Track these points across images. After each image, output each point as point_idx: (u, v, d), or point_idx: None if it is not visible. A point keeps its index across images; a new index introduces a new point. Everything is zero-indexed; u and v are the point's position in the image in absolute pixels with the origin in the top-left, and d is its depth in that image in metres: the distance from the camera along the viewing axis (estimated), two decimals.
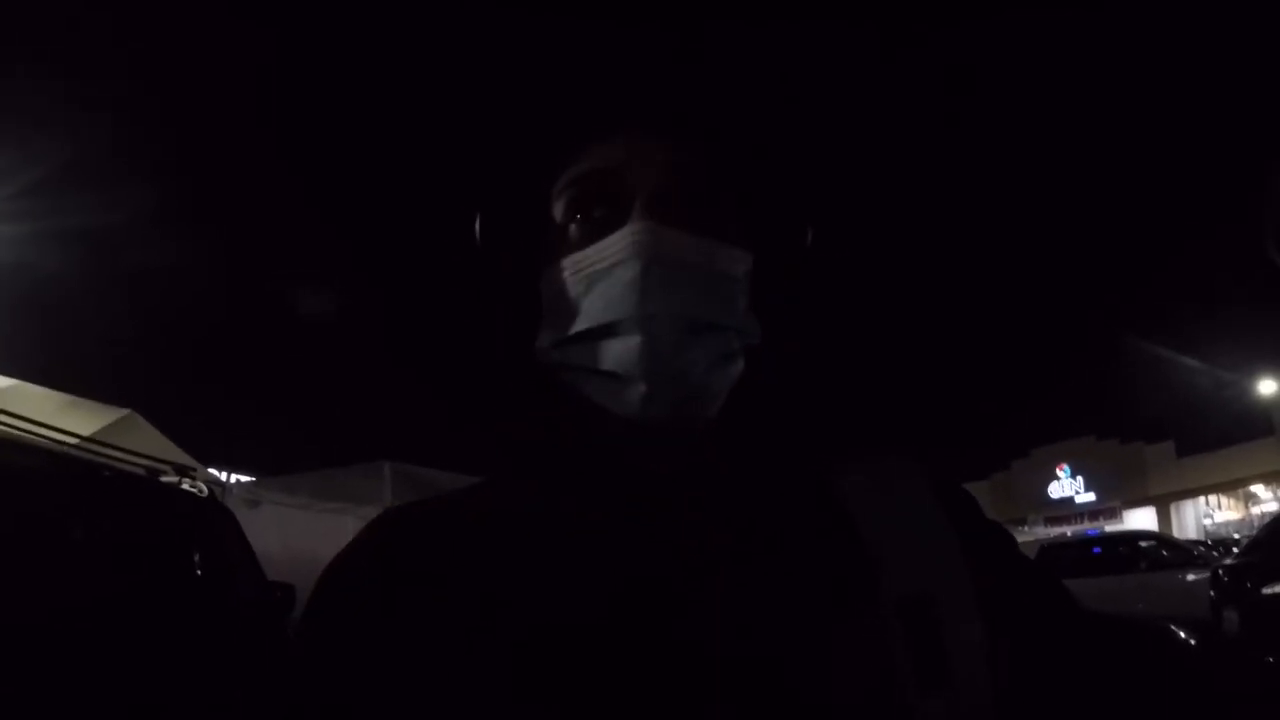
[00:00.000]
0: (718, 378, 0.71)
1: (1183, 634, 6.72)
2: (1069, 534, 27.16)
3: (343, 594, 0.71)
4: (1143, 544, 13.51)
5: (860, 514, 0.71)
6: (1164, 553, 12.95)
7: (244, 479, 13.62)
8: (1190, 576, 11.36)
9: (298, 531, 8.51)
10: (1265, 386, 29.26)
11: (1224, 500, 34.24)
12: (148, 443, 6.92)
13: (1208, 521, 34.01)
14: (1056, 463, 39.76)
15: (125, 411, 8.43)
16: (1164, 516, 34.42)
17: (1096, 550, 13.59)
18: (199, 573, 3.75)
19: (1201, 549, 13.70)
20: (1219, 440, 33.12)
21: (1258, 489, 31.78)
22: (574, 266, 0.72)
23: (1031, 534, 28.00)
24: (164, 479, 4.22)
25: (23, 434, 3.57)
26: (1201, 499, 34.63)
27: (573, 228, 0.74)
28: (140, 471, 4.13)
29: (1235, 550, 10.08)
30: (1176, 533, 28.16)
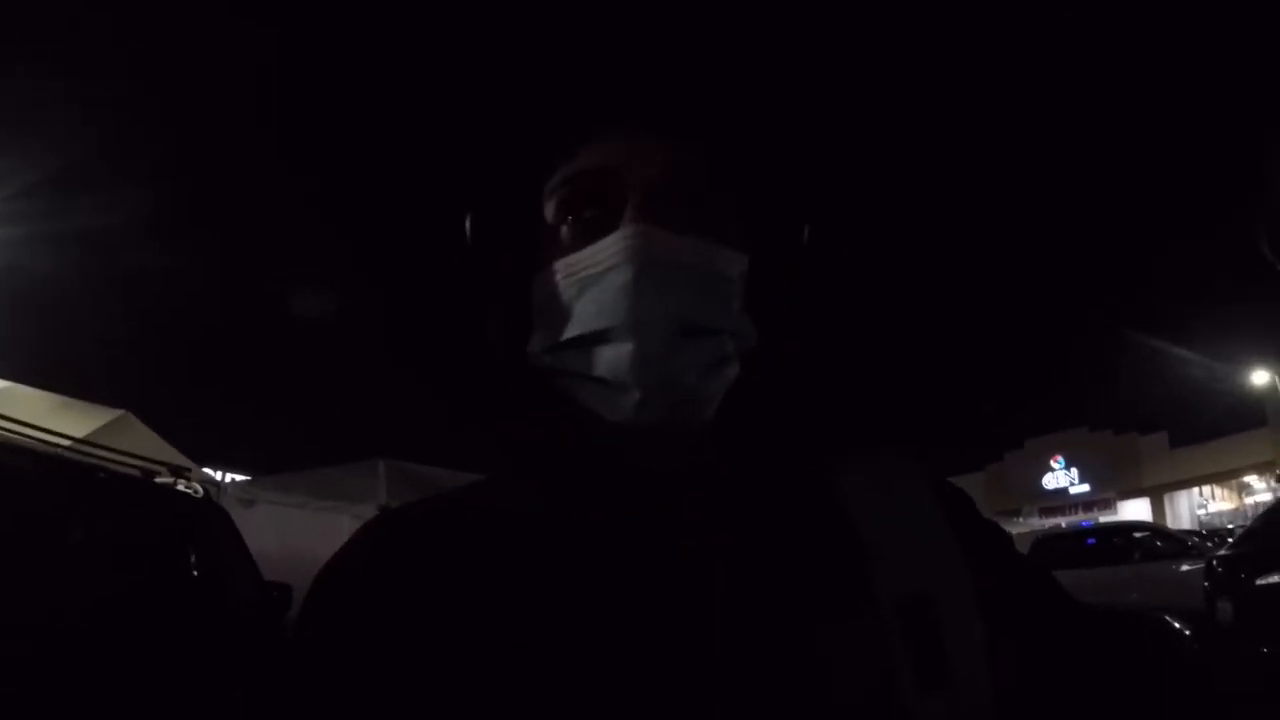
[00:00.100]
0: (712, 381, 0.70)
1: (1177, 625, 6.74)
2: (1063, 525, 27.29)
3: (339, 594, 0.70)
4: (1137, 535, 13.53)
5: (859, 514, 0.71)
6: (1158, 544, 12.97)
7: (239, 478, 13.59)
8: (1184, 567, 11.37)
9: (293, 530, 8.51)
10: (1258, 377, 29.37)
11: (1218, 491, 34.37)
12: (142, 443, 6.93)
13: (1202, 512, 34.12)
14: (1051, 454, 39.79)
15: (120, 412, 8.43)
16: (1158, 507, 34.50)
17: (1091, 541, 13.61)
18: (195, 573, 3.75)
19: (1195, 540, 13.71)
20: (1212, 431, 33.22)
21: (1251, 479, 31.90)
22: (566, 270, 0.71)
23: (1026, 525, 28.11)
24: (159, 480, 4.22)
25: (17, 436, 3.57)
26: (1195, 490, 34.73)
27: (565, 229, 0.73)
28: (135, 473, 4.13)
29: (1229, 541, 10.11)
30: (1171, 523, 28.23)
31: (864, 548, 0.68)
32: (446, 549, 0.69)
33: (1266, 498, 26.67)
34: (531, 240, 0.76)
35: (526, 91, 0.80)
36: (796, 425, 0.78)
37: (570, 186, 0.73)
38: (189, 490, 4.19)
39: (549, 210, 0.74)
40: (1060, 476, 39.29)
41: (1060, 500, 38.40)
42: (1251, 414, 30.88)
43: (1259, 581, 7.08)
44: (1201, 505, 34.73)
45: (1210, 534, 17.27)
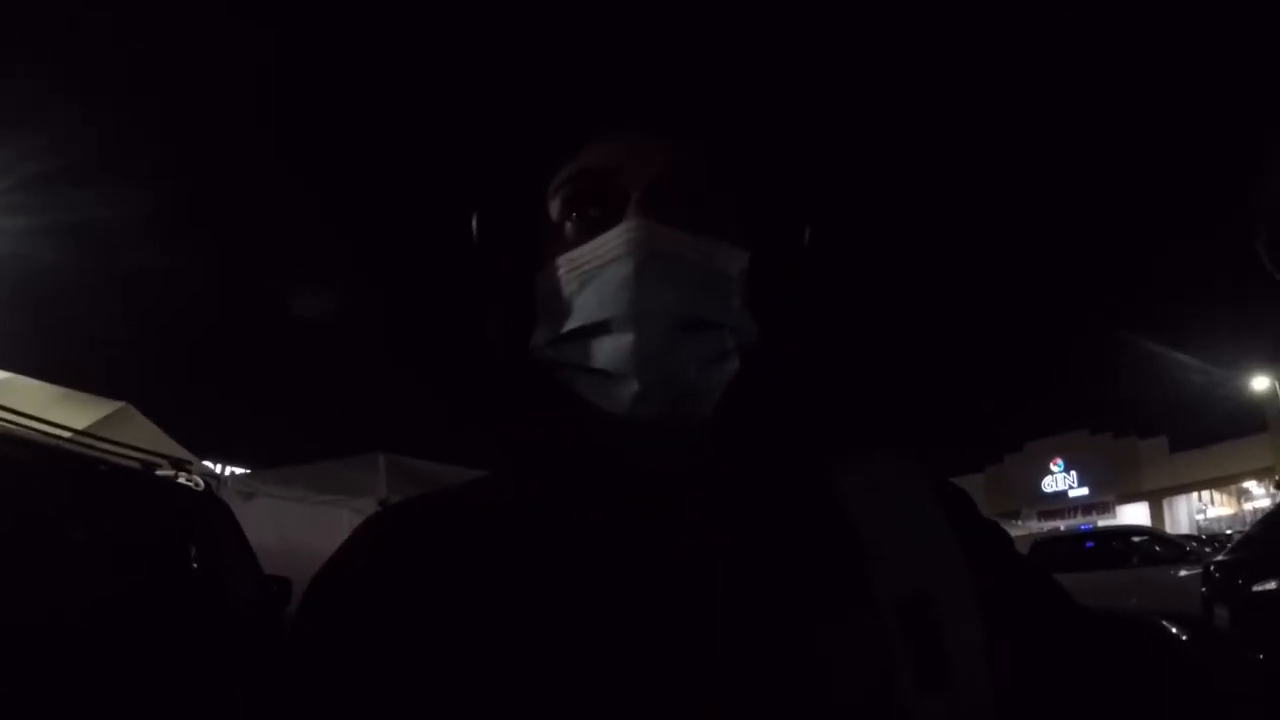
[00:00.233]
0: (712, 376, 0.70)
1: (1174, 630, 6.73)
2: (1062, 528, 27.24)
3: (339, 589, 0.71)
4: (1135, 539, 13.53)
5: (859, 513, 0.71)
6: (1156, 548, 12.97)
7: (239, 471, 13.58)
8: (1182, 572, 11.37)
9: (293, 524, 8.50)
10: (1259, 383, 29.35)
11: (1217, 496, 34.36)
12: (142, 436, 6.91)
13: (1200, 517, 34.12)
14: (1050, 457, 39.77)
15: (120, 404, 8.41)
16: (1157, 511, 34.48)
17: (1089, 545, 13.61)
18: (195, 567, 3.75)
19: (1194, 545, 13.71)
20: (1212, 436, 33.21)
21: (1250, 484, 31.88)
22: (569, 264, 0.71)
23: (1024, 528, 28.09)
24: (160, 472, 4.22)
25: (18, 427, 3.57)
26: (1195, 494, 34.72)
27: (568, 226, 0.73)
28: (136, 465, 4.12)
29: (1227, 546, 10.10)
30: (1169, 528, 28.23)
31: (864, 547, 0.68)
32: (447, 546, 0.70)
33: (1265, 503, 26.66)
34: (533, 239, 0.76)
35: (529, 92, 0.81)
36: (797, 424, 0.78)
37: (572, 185, 0.74)
38: (190, 483, 4.19)
39: (552, 209, 0.75)
40: (1059, 479, 39.27)
41: (1059, 503, 38.38)
42: (1251, 419, 30.88)
43: (1256, 588, 7.07)
44: (1200, 510, 34.72)
45: (1209, 539, 17.26)
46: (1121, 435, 37.54)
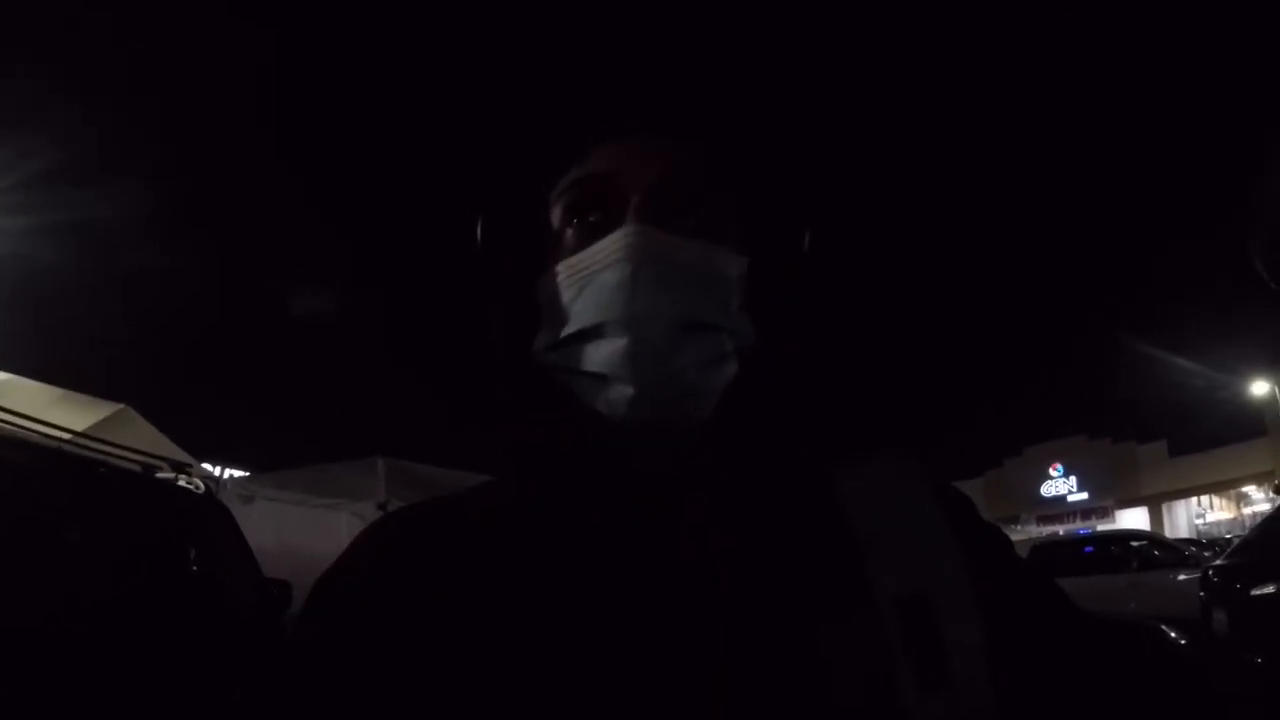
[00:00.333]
0: (710, 378, 0.71)
1: (1172, 634, 6.73)
2: (1061, 533, 27.19)
3: (342, 595, 0.71)
4: (1134, 543, 13.52)
5: (859, 515, 0.71)
6: (1155, 552, 12.96)
7: (238, 474, 13.56)
8: (1181, 576, 11.36)
9: (292, 527, 8.49)
10: (1258, 387, 29.37)
11: (1216, 500, 34.30)
12: (141, 438, 6.91)
13: (1200, 521, 34.05)
14: (1049, 461, 39.77)
15: (119, 406, 8.40)
16: (1156, 516, 34.45)
17: (1088, 549, 13.60)
18: (196, 570, 3.74)
19: (1193, 549, 13.70)
20: (1212, 440, 33.19)
21: (1250, 489, 31.84)
22: (568, 270, 0.72)
23: (1024, 532, 28.04)
24: (159, 475, 4.21)
25: (18, 429, 3.57)
26: (1194, 499, 34.67)
27: (569, 232, 0.74)
28: (136, 468, 4.12)
29: (1227, 550, 10.10)
30: (1168, 532, 28.20)
31: (864, 549, 0.69)
32: (449, 550, 0.70)
33: (1265, 508, 26.62)
34: (536, 243, 0.77)
35: (530, 96, 0.81)
36: (797, 426, 0.78)
37: (573, 191, 0.75)
38: (190, 486, 4.19)
39: (554, 215, 0.76)
40: (1059, 484, 39.27)
41: (1058, 508, 38.37)
42: (1251, 424, 30.88)
43: (1254, 591, 7.07)
44: (1200, 515, 34.66)
45: (1208, 544, 17.24)
46: (1121, 440, 37.53)
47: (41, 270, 14.49)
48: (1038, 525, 36.11)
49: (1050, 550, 14.04)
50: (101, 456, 3.94)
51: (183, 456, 6.47)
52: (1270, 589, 6.91)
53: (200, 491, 4.22)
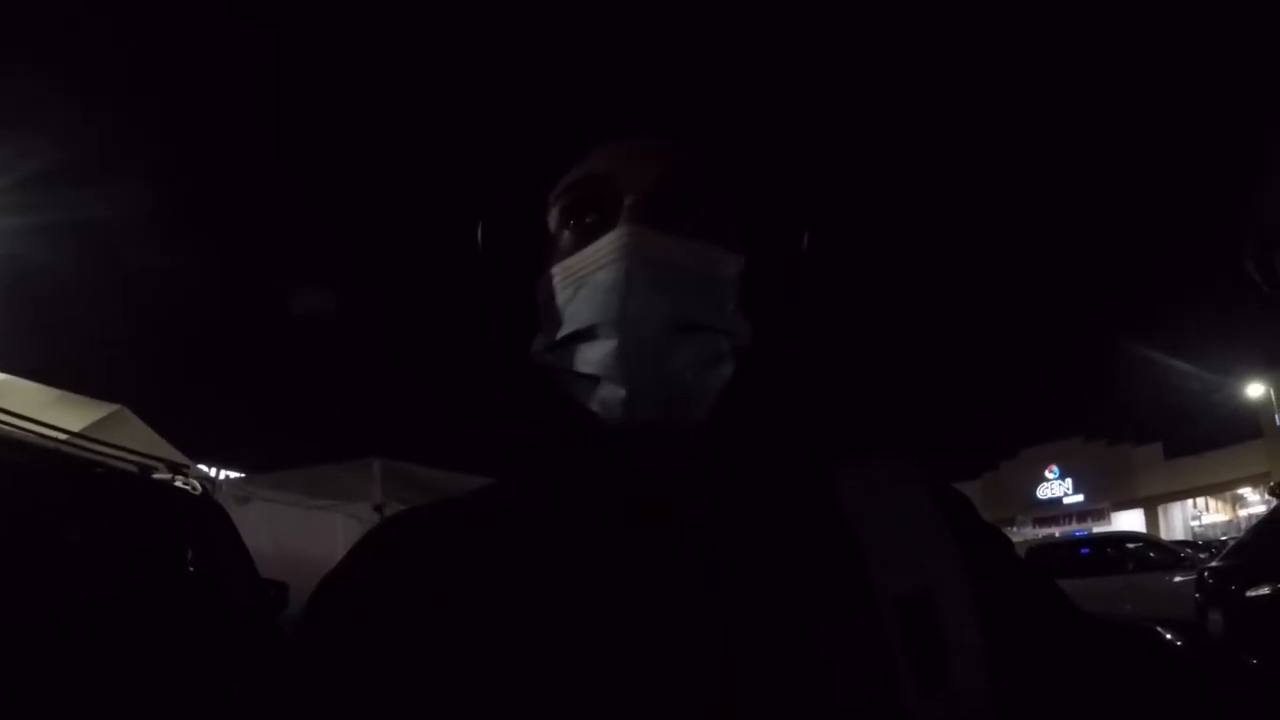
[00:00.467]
0: (706, 379, 0.71)
1: (1168, 636, 6.74)
2: (1057, 535, 27.22)
3: (343, 599, 0.71)
4: (1130, 545, 13.55)
5: (859, 516, 0.71)
6: (1151, 554, 12.99)
7: (233, 475, 13.53)
8: (1177, 578, 11.38)
9: (288, 528, 8.48)
10: (1253, 390, 29.46)
11: (1212, 502, 34.38)
12: (138, 438, 6.90)
13: (1195, 523, 34.13)
14: (1045, 464, 39.89)
15: (115, 407, 8.39)
16: (1152, 518, 34.53)
17: (1084, 551, 13.62)
18: (193, 571, 3.73)
19: (1188, 551, 13.74)
20: (1207, 443, 33.28)
21: (1245, 491, 31.91)
22: (564, 272, 0.73)
23: (1020, 535, 28.09)
24: (156, 476, 4.21)
25: (15, 430, 3.56)
26: (1189, 501, 34.76)
27: (566, 233, 0.75)
28: (132, 468, 4.11)
29: (1222, 552, 10.13)
30: (1164, 534, 28.25)
31: (864, 550, 0.69)
32: (449, 554, 0.70)
33: (1260, 510, 26.68)
34: (535, 245, 0.77)
35: (529, 97, 0.82)
36: (796, 427, 0.78)
37: (571, 193, 0.75)
38: (187, 487, 4.18)
39: (553, 216, 0.76)
40: (1055, 486, 39.38)
41: (1054, 510, 38.47)
42: (1246, 426, 30.97)
43: (1250, 593, 7.08)
44: (1195, 517, 34.74)
45: (1204, 545, 17.28)
46: (1116, 442, 37.64)
47: (37, 270, 14.48)
48: (1034, 527, 36.21)
49: (1046, 552, 14.05)
50: (98, 457, 3.93)
51: (179, 457, 6.47)
52: (1265, 590, 6.92)
53: (197, 493, 4.21)
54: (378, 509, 8.90)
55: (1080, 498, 38.17)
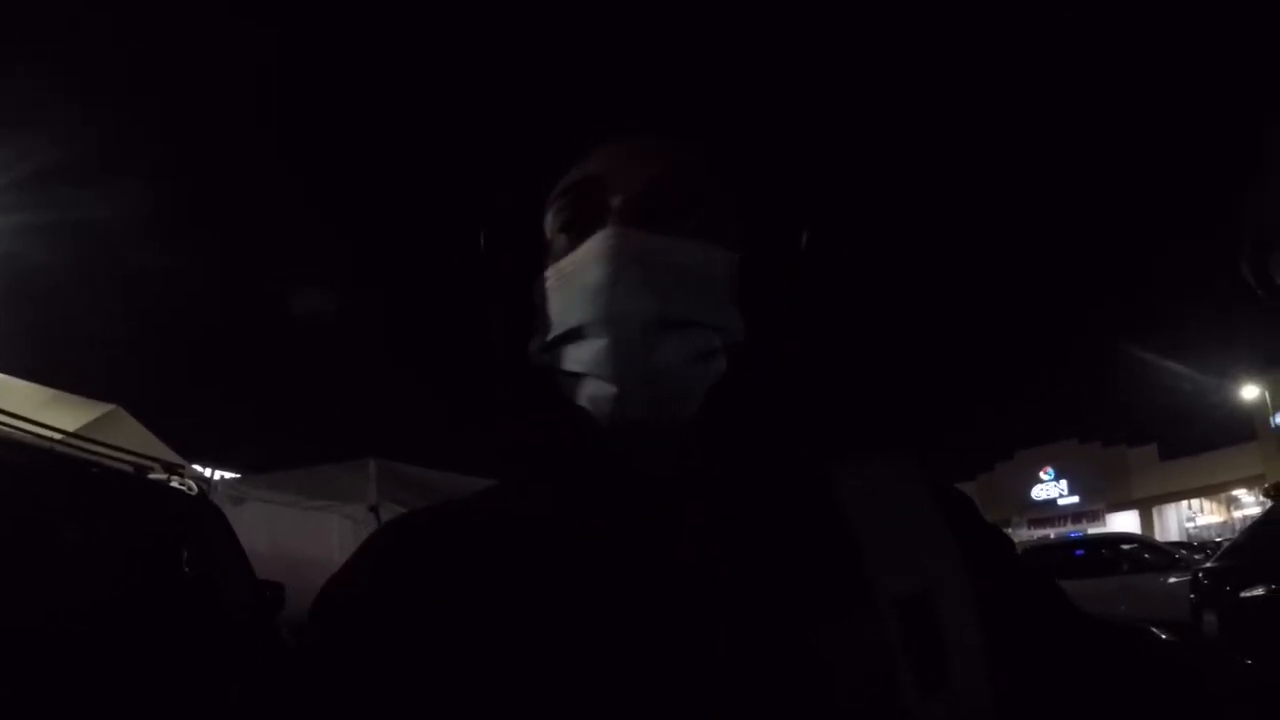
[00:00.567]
0: (695, 375, 0.71)
1: (1163, 637, 6.76)
2: (1052, 536, 27.27)
3: (345, 603, 0.72)
4: (1125, 547, 13.60)
5: (859, 517, 0.71)
6: (1145, 555, 13.04)
7: (229, 476, 13.51)
8: (1171, 579, 11.43)
9: (283, 529, 8.48)
10: (1248, 391, 29.53)
11: (1207, 504, 34.44)
12: (132, 438, 6.88)
13: (1190, 525, 34.21)
14: (1040, 465, 39.96)
15: (110, 407, 8.38)
16: (1146, 519, 34.61)
17: (1079, 552, 13.67)
18: (190, 573, 3.72)
19: (1183, 552, 13.78)
20: (1202, 444, 33.37)
21: (1240, 493, 31.98)
22: (556, 273, 0.73)
23: (1015, 536, 28.10)
24: (152, 476, 4.20)
25: (9, 429, 3.55)
26: (1184, 502, 34.83)
27: (561, 235, 0.75)
28: (128, 468, 4.10)
29: (1217, 553, 10.16)
30: (1159, 536, 28.30)
31: (864, 550, 0.69)
32: (450, 556, 0.70)
33: (1255, 511, 26.74)
34: (534, 245, 0.78)
35: (528, 99, 0.82)
36: (796, 426, 0.78)
37: (569, 194, 0.76)
38: (183, 487, 4.17)
39: (550, 218, 0.77)
40: (1050, 488, 39.46)
41: (1049, 511, 38.55)
42: (1241, 428, 31.05)
43: (1244, 594, 7.11)
44: (1190, 518, 34.81)
45: (1199, 546, 17.32)
46: (1111, 444, 37.72)
47: (33, 269, 14.46)
48: (1029, 528, 36.29)
49: (1041, 554, 14.11)
50: (94, 457, 3.92)
51: (174, 458, 6.45)
52: (1260, 591, 6.95)
53: (193, 493, 4.20)
54: (373, 510, 8.90)
55: (1075, 499, 38.24)
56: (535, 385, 0.75)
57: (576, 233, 0.74)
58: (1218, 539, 23.00)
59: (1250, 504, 30.33)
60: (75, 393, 8.52)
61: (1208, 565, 8.60)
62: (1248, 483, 30.29)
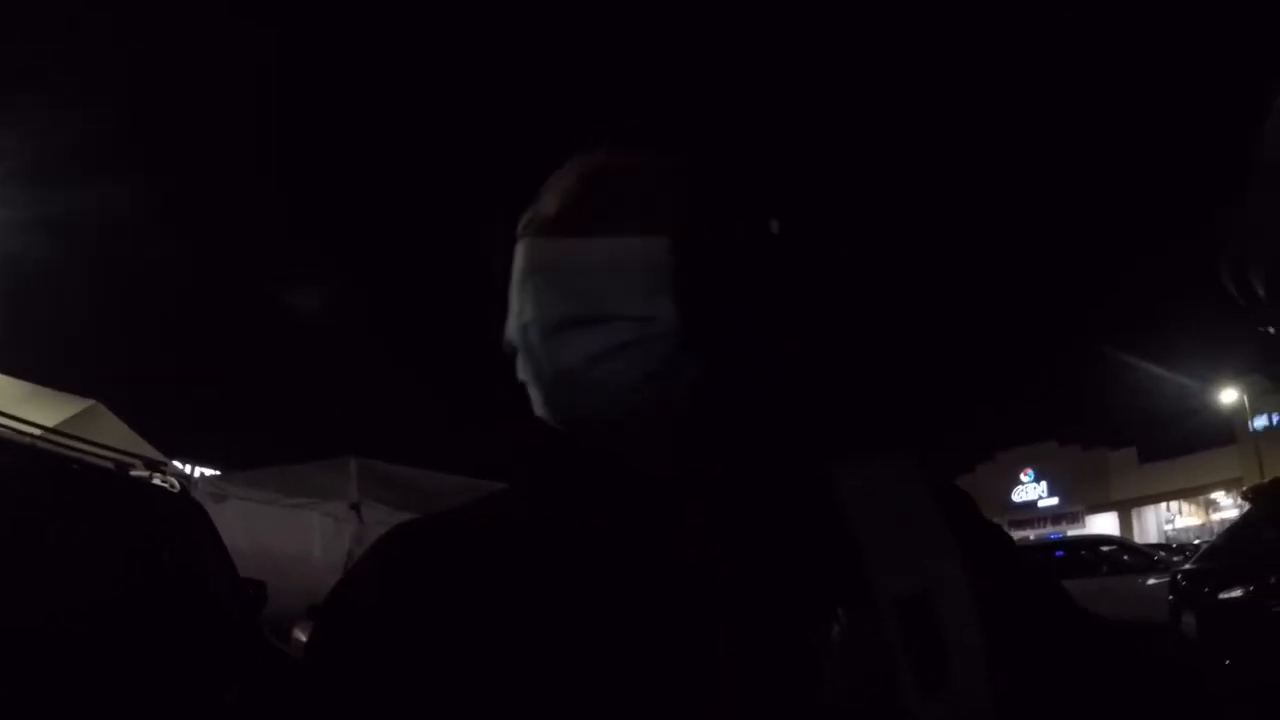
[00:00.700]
0: (613, 368, 0.70)
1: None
2: (1032, 538, 27.44)
3: (350, 607, 0.73)
4: (1104, 548, 13.73)
5: (859, 516, 0.71)
6: (1125, 557, 13.16)
7: (209, 473, 13.45)
8: (1150, 581, 11.52)
9: (264, 527, 8.47)
10: (1227, 395, 29.79)
11: (1186, 506, 34.70)
12: (113, 435, 6.86)
13: (1169, 527, 34.46)
14: (1020, 467, 40.17)
15: (90, 402, 8.34)
16: (1125, 521, 34.84)
17: (1058, 554, 13.77)
18: (176, 571, 3.70)
19: (1162, 554, 13.90)
20: (1181, 447, 33.61)
21: (1218, 496, 32.22)
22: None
23: None
24: (134, 473, 4.17)
25: None
26: (1163, 505, 35.08)
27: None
28: (109, 466, 4.08)
29: (1195, 555, 10.25)
30: (1138, 538, 28.54)
31: (864, 549, 0.69)
32: (451, 558, 0.71)
33: (1233, 514, 26.96)
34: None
35: (518, 108, 0.82)
36: (795, 426, 0.79)
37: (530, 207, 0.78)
38: (165, 484, 4.14)
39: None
40: (1029, 489, 39.66)
41: (1029, 513, 38.73)
42: (1220, 432, 31.29)
43: (1222, 595, 7.17)
44: (1169, 520, 35.06)
45: (1177, 549, 17.47)
46: (1091, 446, 37.94)
47: (11, 264, 14.37)
48: (1009, 530, 36.35)
49: None
50: (74, 454, 3.89)
51: (155, 454, 6.42)
52: (1238, 593, 7.01)
53: (176, 490, 4.18)
54: (354, 507, 8.89)
55: (1055, 501, 38.47)
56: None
57: None
58: (1196, 541, 23.19)
59: (1229, 507, 30.56)
60: (51, 386, 8.47)
61: (1186, 567, 8.68)
62: (1226, 486, 30.53)
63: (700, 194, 0.77)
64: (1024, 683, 0.66)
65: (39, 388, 8.23)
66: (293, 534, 8.71)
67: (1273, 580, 6.70)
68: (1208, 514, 33.10)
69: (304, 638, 6.08)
